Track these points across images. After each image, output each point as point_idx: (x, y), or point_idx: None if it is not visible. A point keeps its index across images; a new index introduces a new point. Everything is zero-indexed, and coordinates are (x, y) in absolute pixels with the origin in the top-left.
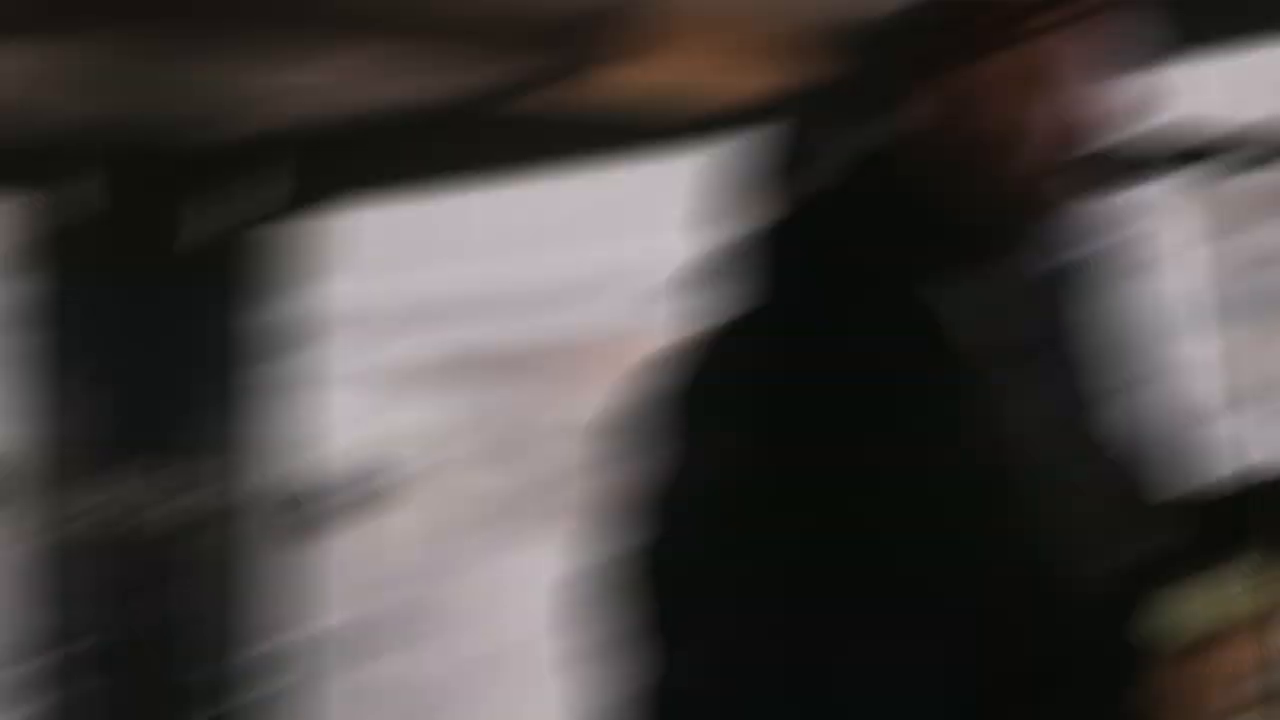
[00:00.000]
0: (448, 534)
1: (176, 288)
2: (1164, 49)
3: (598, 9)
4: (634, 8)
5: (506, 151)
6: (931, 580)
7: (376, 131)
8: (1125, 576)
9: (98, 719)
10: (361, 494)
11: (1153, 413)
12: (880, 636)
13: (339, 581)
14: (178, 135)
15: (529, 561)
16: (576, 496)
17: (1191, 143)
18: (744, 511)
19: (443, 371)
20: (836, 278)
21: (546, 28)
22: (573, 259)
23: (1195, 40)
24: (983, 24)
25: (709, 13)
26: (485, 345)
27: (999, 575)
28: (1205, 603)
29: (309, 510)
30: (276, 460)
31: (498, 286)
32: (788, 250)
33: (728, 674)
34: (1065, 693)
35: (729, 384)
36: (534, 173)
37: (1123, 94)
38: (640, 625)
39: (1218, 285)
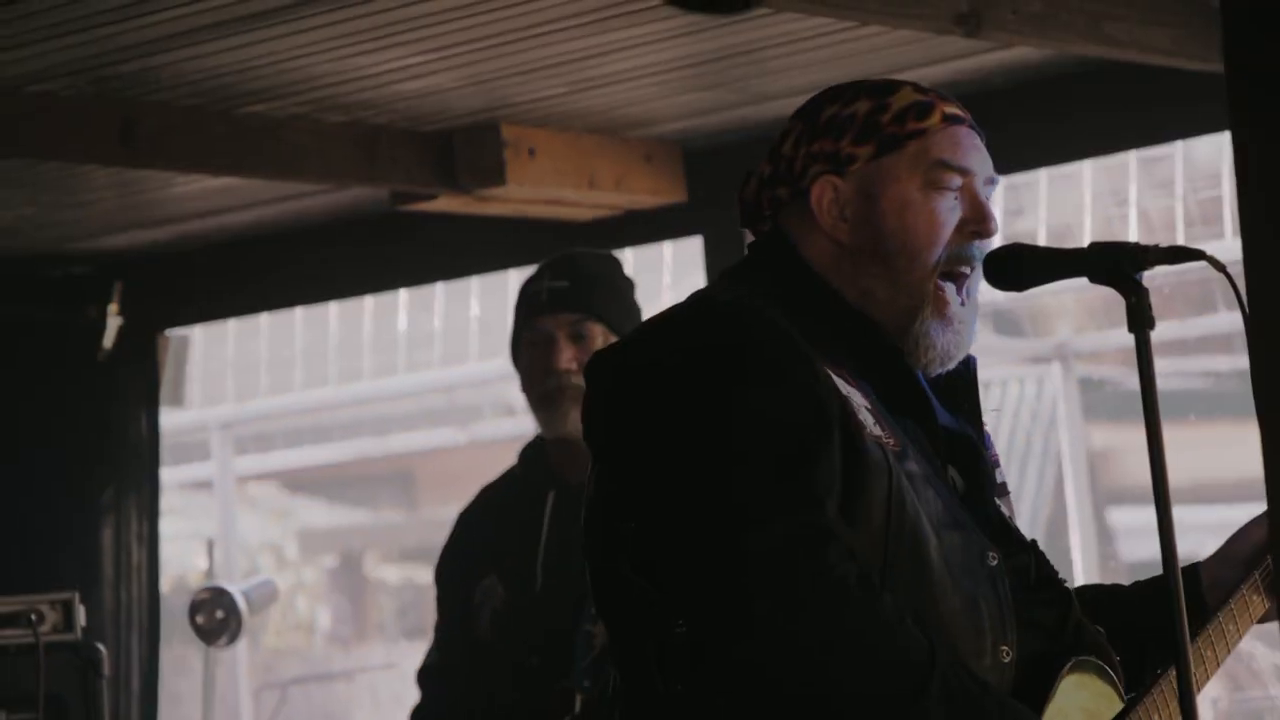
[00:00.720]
0: (338, 638)
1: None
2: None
3: (462, 128)
4: (495, 130)
5: (373, 267)
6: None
7: (219, 255)
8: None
9: None
10: (250, 600)
11: (1048, 504)
12: None
13: (239, 685)
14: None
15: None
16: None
17: (1080, 243)
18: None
19: (308, 483)
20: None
21: (413, 146)
22: (436, 374)
23: (1085, 143)
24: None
25: (572, 130)
26: (357, 456)
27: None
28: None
29: (204, 616)
30: (152, 573)
31: (355, 402)
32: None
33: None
34: None
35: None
36: (407, 286)
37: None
38: None
39: (1130, 377)
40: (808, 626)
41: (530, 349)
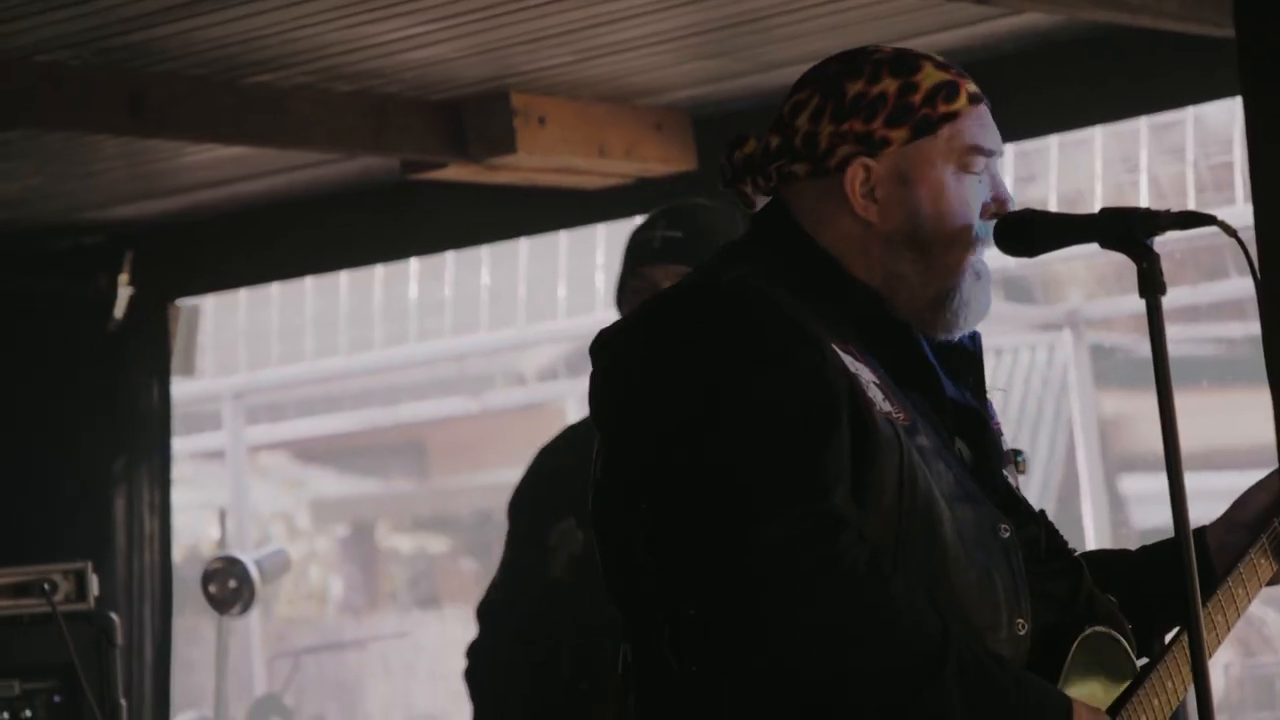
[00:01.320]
0: (354, 605)
1: (43, 381)
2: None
3: (472, 97)
4: (505, 99)
5: (383, 236)
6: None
7: (229, 224)
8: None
9: None
10: (263, 569)
11: (1060, 472)
12: None
13: (252, 654)
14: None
15: (432, 631)
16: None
17: (1093, 211)
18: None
19: (320, 453)
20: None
21: (422, 115)
22: (447, 343)
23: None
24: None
25: (581, 98)
26: (369, 426)
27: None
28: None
29: (217, 585)
30: (165, 542)
31: (366, 372)
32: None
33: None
34: None
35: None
36: (418, 255)
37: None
38: None
39: (1141, 344)
40: (819, 614)
41: (635, 297)
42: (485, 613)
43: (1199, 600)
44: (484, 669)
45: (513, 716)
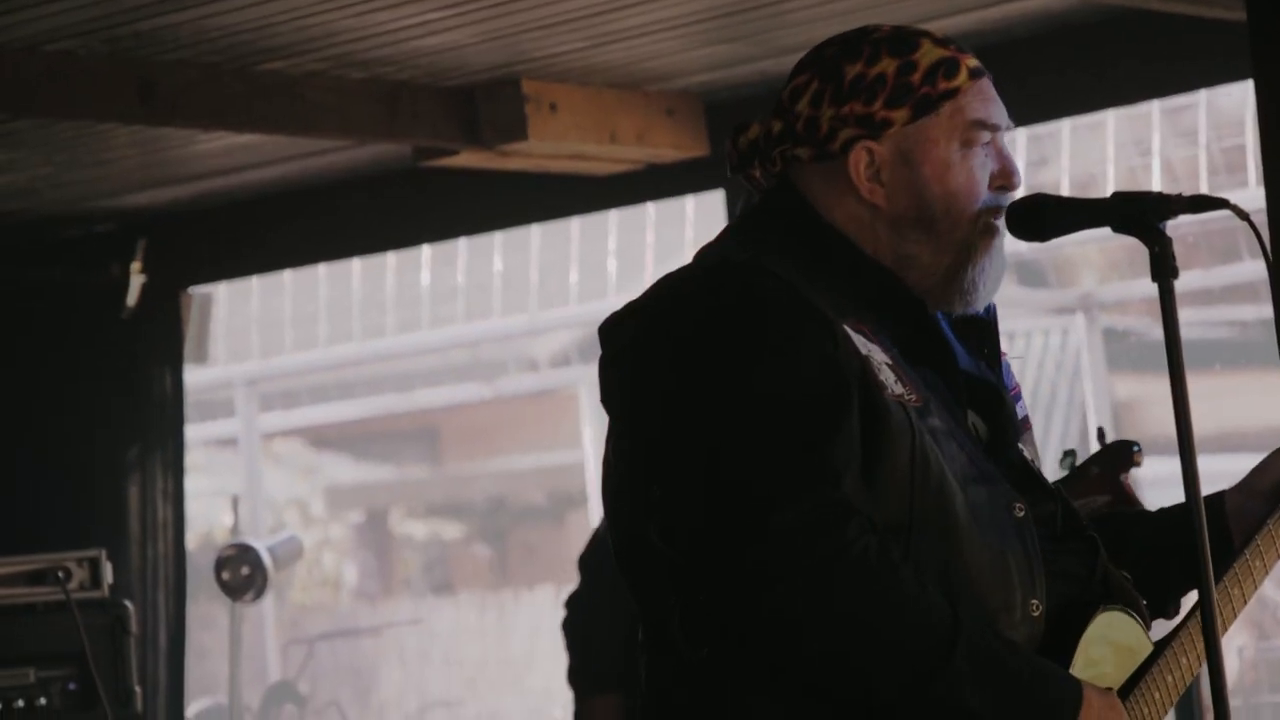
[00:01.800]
0: (367, 592)
1: (55, 370)
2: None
3: (483, 83)
4: (516, 85)
5: (396, 222)
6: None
7: (242, 212)
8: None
9: None
10: (276, 556)
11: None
12: None
13: (266, 640)
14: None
15: (441, 618)
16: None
17: (1104, 193)
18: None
19: (333, 439)
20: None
21: (434, 102)
22: (460, 329)
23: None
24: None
25: (593, 84)
26: (382, 412)
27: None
28: (1114, 636)
29: (230, 572)
30: (178, 530)
31: (379, 358)
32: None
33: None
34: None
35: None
36: (430, 241)
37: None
38: None
39: (1154, 327)
40: (830, 602)
41: None
42: (586, 563)
43: (1211, 583)
44: (582, 619)
45: (610, 660)
